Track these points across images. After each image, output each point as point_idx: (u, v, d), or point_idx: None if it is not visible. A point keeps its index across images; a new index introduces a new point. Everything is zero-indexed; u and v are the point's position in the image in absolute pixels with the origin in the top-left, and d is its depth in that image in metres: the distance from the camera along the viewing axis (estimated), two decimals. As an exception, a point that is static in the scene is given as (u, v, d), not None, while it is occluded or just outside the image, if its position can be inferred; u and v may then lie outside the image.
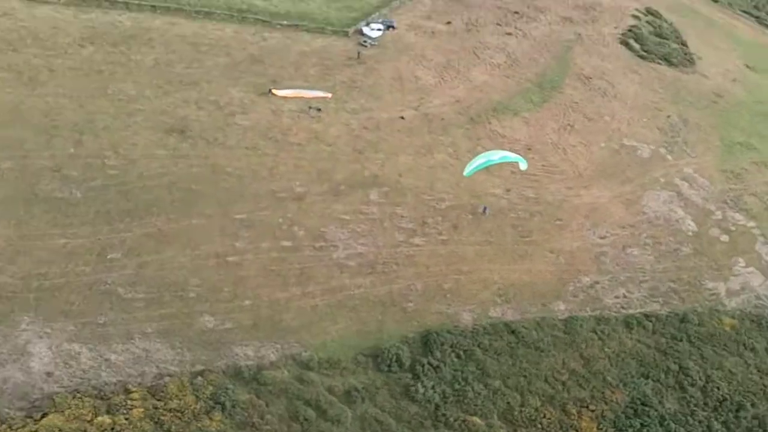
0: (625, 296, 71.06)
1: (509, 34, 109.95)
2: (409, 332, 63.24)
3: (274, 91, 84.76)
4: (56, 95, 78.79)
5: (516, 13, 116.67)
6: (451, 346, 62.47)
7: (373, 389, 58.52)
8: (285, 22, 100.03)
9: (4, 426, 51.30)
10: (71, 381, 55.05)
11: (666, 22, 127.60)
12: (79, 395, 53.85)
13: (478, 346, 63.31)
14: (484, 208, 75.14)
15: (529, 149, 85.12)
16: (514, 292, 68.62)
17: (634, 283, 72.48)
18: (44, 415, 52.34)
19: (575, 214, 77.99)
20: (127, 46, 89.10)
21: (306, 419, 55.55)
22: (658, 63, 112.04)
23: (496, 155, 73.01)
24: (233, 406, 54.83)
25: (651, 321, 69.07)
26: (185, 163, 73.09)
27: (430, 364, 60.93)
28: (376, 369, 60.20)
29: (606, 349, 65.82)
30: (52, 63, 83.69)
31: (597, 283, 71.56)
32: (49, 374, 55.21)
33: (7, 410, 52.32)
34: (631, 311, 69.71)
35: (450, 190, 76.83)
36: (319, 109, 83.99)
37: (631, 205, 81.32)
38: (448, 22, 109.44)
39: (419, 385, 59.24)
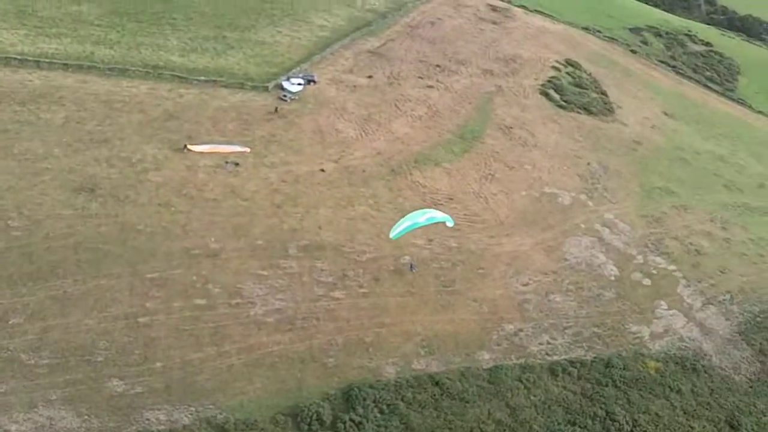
0: (549, 343, 72.29)
1: (431, 86, 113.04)
2: (330, 388, 62.99)
3: (189, 146, 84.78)
4: (-43, 156, 77.46)
5: (437, 66, 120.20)
6: (374, 401, 62.32)
7: (293, 450, 57.93)
8: (202, 78, 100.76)
9: None
10: (-34, 456, 53.05)
11: (585, 72, 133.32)
12: (-27, 471, 51.94)
13: (402, 399, 63.36)
14: (411, 265, 75.59)
15: (451, 199, 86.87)
16: (438, 343, 69.14)
17: (558, 330, 73.89)
18: (-66, 495, 50.25)
19: (497, 263, 79.51)
20: (36, 105, 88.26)
21: (221, 485, 54.56)
22: (578, 112, 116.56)
23: (423, 217, 73.08)
24: (143, 475, 53.54)
25: (576, 367, 70.31)
26: (93, 223, 72.09)
27: (352, 420, 60.58)
28: (296, 428, 59.58)
29: (532, 398, 66.61)
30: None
31: (521, 330, 72.71)
32: (-59, 450, 53.12)
33: None
34: (556, 358, 70.91)
35: (371, 242, 77.55)
36: (237, 164, 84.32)
37: (552, 251, 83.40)
38: (370, 76, 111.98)
39: (341, 443, 58.92)
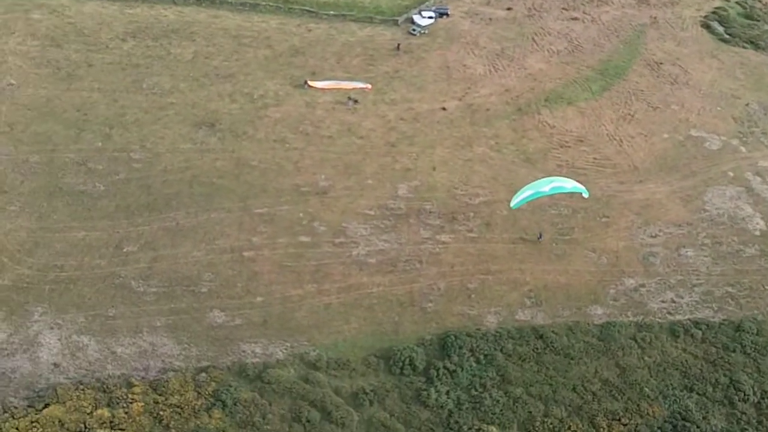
0: (673, 301, 67.95)
1: (575, 18, 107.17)
2: (427, 334, 62.90)
3: (310, 82, 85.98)
4: (91, 90, 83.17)
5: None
6: (471, 350, 61.68)
7: (383, 392, 58.69)
8: (332, 12, 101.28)
9: (6, 415, 54.59)
10: (76, 372, 58.04)
11: (760, 2, 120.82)
12: (82, 387, 56.80)
13: (501, 350, 62.26)
14: (540, 234, 72.33)
15: (581, 141, 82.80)
16: (547, 294, 66.96)
17: (686, 287, 69.20)
18: (46, 406, 55.42)
19: (625, 211, 75.22)
20: (168, 40, 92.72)
21: (309, 420, 56.39)
22: (743, 47, 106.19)
23: (547, 186, 68.17)
24: (234, 404, 56.39)
25: (701, 329, 65.73)
26: (210, 157, 75.44)
27: (445, 368, 60.41)
28: (388, 371, 60.22)
29: (646, 358, 63.29)
30: (92, 58, 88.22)
31: (642, 286, 68.79)
32: (56, 365, 58.37)
33: (11, 399, 55.86)
34: (678, 317, 66.57)
35: (486, 184, 75.80)
36: (357, 101, 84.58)
37: (690, 201, 77.61)
38: (509, 8, 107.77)
39: (432, 389, 58.92)
